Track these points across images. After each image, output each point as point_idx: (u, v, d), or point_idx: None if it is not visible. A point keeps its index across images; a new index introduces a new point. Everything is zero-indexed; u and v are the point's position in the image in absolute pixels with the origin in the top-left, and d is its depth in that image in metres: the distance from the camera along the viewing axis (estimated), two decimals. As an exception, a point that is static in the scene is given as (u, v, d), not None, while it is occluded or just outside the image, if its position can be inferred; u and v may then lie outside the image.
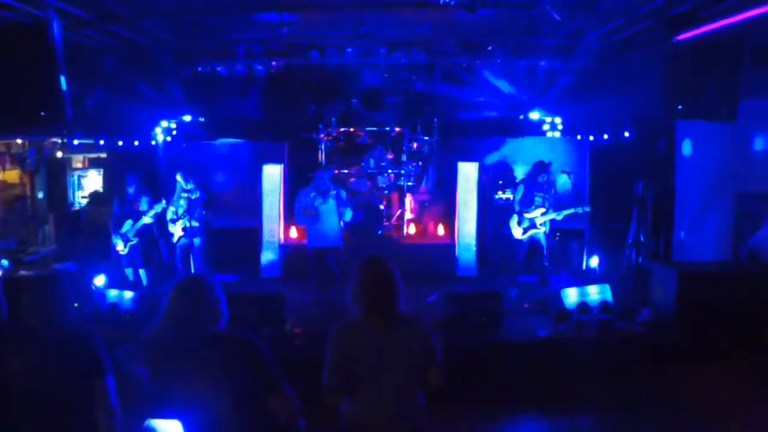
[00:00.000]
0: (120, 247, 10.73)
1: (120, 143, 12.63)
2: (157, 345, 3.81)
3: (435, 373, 4.13)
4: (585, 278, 11.74)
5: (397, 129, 14.32)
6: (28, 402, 3.89)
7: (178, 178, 10.64)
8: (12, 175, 16.56)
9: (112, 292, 9.32)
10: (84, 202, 16.75)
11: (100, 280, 10.15)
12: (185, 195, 10.65)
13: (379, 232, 13.47)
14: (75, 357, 3.93)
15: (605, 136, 12.66)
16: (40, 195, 16.47)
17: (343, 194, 10.81)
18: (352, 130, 14.42)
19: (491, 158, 14.23)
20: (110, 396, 3.98)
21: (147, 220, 10.60)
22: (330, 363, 4.00)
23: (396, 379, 4.00)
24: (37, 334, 3.99)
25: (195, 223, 10.69)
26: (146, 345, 3.84)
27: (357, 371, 3.98)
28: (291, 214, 13.28)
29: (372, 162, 14.28)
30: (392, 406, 4.01)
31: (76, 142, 12.72)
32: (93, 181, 17.41)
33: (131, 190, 10.76)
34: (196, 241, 10.82)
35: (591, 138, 13.26)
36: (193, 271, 10.82)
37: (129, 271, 11.03)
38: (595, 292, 9.41)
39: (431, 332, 4.18)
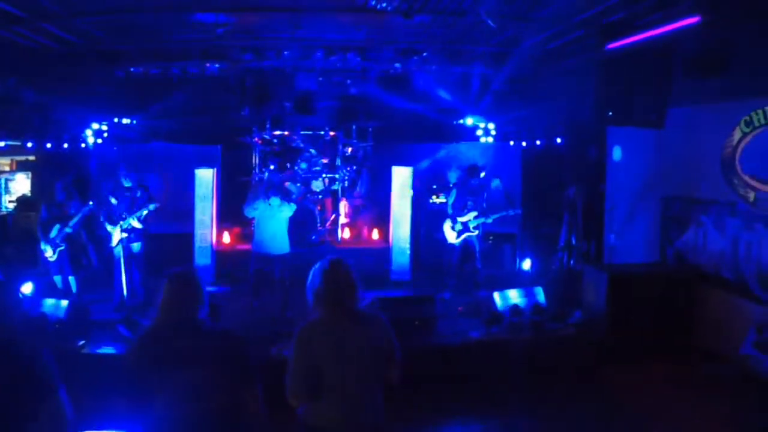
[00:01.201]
0: (49, 253, 10.42)
1: (49, 146, 12.31)
2: (157, 337, 3.89)
3: (394, 369, 4.22)
4: (518, 281, 11.90)
5: (332, 133, 14.33)
6: None
7: (119, 176, 10.43)
8: (-67, 178, 16.11)
9: (44, 301, 9.11)
10: (11, 206, 16.34)
11: (27, 288, 9.90)
12: (127, 194, 10.46)
13: (313, 237, 13.44)
14: (19, 376, 3.27)
15: (537, 142, 12.84)
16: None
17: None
18: (286, 133, 14.37)
19: (425, 163, 14.32)
20: (65, 409, 3.38)
21: (74, 221, 10.35)
22: (294, 364, 4.00)
23: (359, 376, 4.05)
24: None
25: (137, 225, 10.45)
26: (149, 340, 3.92)
27: (321, 370, 3.98)
28: (224, 219, 13.20)
29: (305, 166, 14.25)
30: (355, 404, 4.04)
31: (2, 144, 12.37)
32: (21, 185, 17.00)
33: (62, 194, 10.52)
34: (136, 246, 10.59)
35: (523, 144, 13.44)
36: (125, 278, 10.56)
37: (58, 279, 10.73)
38: (527, 295, 9.54)
39: (390, 329, 4.26)
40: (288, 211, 10.47)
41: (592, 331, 9.24)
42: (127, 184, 10.46)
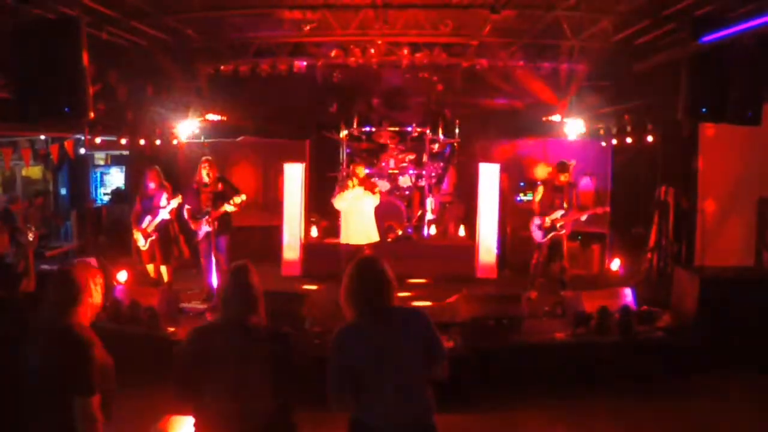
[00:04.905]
0: (141, 242, 10.74)
1: (141, 141, 12.63)
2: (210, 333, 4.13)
3: (439, 364, 4.09)
4: (606, 282, 11.68)
5: (419, 129, 14.32)
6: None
7: (201, 171, 10.54)
8: (35, 171, 16.75)
9: (133, 288, 9.39)
10: (106, 198, 16.89)
11: (122, 276, 10.22)
12: (207, 189, 10.56)
13: (399, 233, 13.46)
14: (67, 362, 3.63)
15: (629, 140, 12.55)
16: (63, 191, 16.63)
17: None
18: (373, 129, 14.45)
19: (513, 160, 14.17)
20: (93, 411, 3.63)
21: (165, 214, 10.60)
22: (333, 368, 3.94)
23: (399, 376, 3.95)
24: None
25: (230, 209, 10.43)
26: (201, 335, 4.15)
27: (360, 372, 3.92)
28: (312, 213, 13.34)
29: (392, 162, 14.29)
30: (398, 404, 3.95)
31: (98, 139, 12.75)
32: (115, 178, 17.55)
33: (152, 185, 10.76)
34: (222, 239, 10.69)
35: (614, 141, 13.16)
36: (213, 269, 10.72)
37: (150, 268, 11.04)
38: (615, 296, 9.34)
39: (430, 324, 4.14)
40: (372, 200, 10.49)
41: (682, 335, 8.97)
42: (206, 179, 10.51)
